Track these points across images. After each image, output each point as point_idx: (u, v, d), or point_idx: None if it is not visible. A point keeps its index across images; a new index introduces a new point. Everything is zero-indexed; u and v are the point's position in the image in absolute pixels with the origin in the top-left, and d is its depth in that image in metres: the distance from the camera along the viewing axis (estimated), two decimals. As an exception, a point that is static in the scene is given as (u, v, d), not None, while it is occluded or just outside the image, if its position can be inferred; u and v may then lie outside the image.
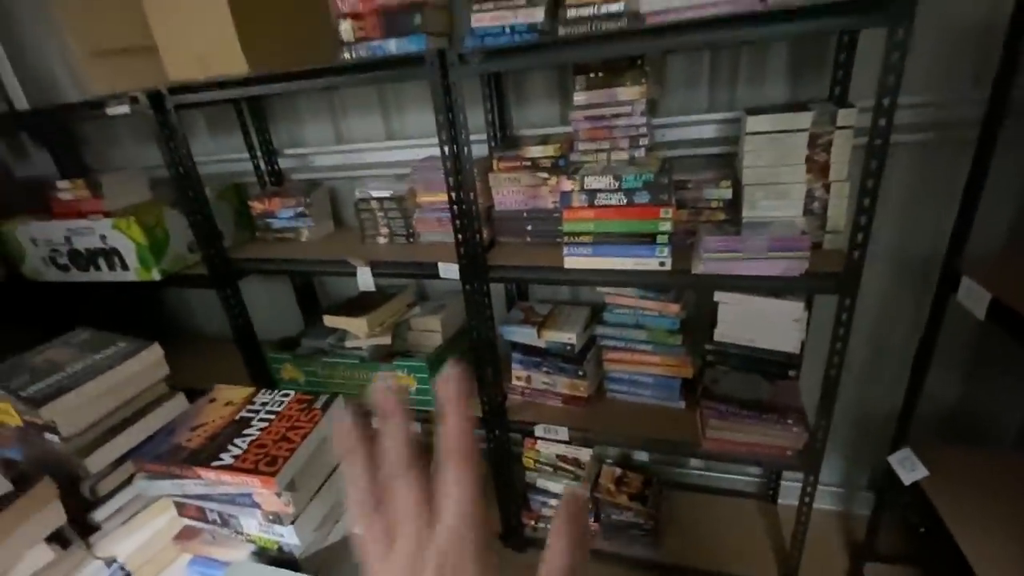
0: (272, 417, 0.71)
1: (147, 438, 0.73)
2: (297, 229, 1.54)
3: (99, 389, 0.69)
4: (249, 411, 0.73)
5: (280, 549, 0.72)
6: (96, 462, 0.70)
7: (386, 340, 1.47)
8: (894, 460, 1.19)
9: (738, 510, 1.63)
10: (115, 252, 1.47)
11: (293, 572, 0.67)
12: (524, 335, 1.41)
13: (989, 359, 1.30)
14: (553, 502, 1.55)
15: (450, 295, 1.66)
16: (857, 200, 0.90)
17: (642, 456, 1.77)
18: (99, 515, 0.72)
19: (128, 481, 0.74)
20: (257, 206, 1.54)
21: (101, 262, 1.50)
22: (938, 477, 1.13)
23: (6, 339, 1.11)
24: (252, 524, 0.71)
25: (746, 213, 1.13)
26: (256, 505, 0.67)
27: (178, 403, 0.80)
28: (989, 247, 1.18)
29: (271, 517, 0.67)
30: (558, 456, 1.46)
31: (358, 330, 1.44)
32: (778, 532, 1.54)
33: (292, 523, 0.67)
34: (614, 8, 1.01)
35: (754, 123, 1.05)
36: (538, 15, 1.07)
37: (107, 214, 1.45)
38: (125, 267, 1.48)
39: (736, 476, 1.70)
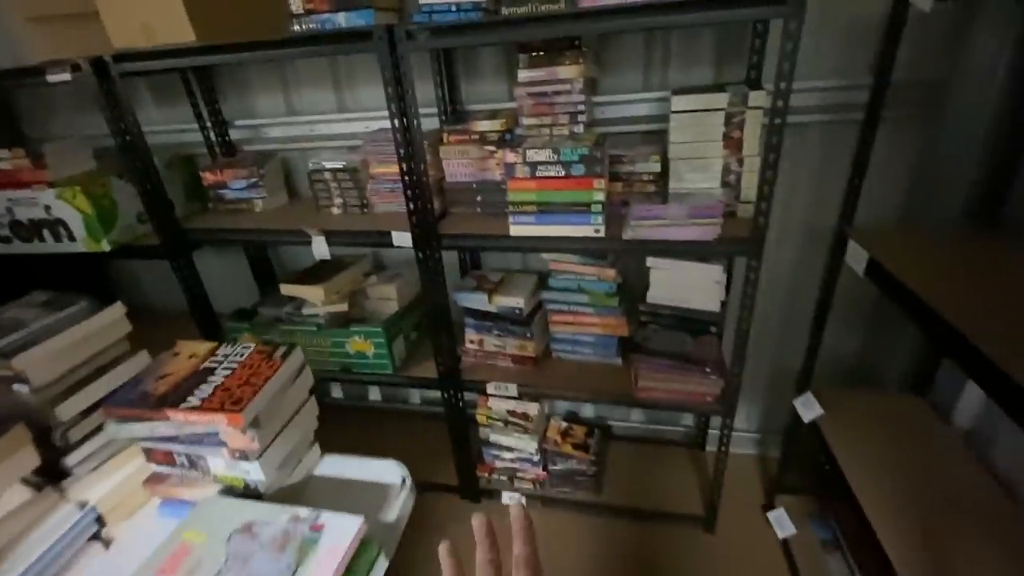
0: (235, 366, 0.78)
1: (114, 389, 0.78)
2: (250, 200, 1.56)
3: (65, 342, 0.74)
4: (212, 362, 0.79)
5: (246, 486, 0.79)
6: (66, 411, 0.75)
7: (343, 308, 1.53)
8: (798, 403, 1.37)
9: (671, 457, 1.81)
10: (60, 223, 1.45)
11: (258, 501, 0.76)
12: (476, 301, 1.50)
13: (877, 315, 1.49)
14: (506, 455, 1.67)
15: (405, 265, 1.73)
16: (760, 172, 1.03)
17: (588, 413, 1.92)
18: (71, 461, 0.77)
19: (98, 429, 0.79)
20: (209, 177, 1.55)
21: (46, 233, 1.48)
22: (832, 416, 1.31)
23: None
24: (219, 463, 0.78)
25: (673, 185, 1.25)
26: (222, 444, 0.74)
27: (141, 359, 0.86)
28: (886, 219, 1.36)
29: (237, 454, 0.75)
30: (508, 412, 1.58)
31: (315, 298, 1.49)
32: (705, 474, 1.73)
33: (258, 459, 0.75)
34: (553, -9, 1.09)
35: (678, 102, 1.17)
36: (483, -6, 1.14)
37: (51, 184, 1.43)
38: (72, 238, 1.47)
39: (670, 427, 1.88)
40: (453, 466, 1.72)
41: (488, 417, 1.61)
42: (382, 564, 0.73)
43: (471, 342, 1.57)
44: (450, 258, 1.64)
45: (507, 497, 1.71)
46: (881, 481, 1.17)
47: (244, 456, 0.75)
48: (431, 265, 1.36)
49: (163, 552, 0.69)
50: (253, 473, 0.77)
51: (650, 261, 1.33)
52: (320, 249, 1.38)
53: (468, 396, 1.61)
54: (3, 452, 0.68)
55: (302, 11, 1.23)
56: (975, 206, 1.11)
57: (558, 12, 1.07)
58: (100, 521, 0.80)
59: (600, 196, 1.14)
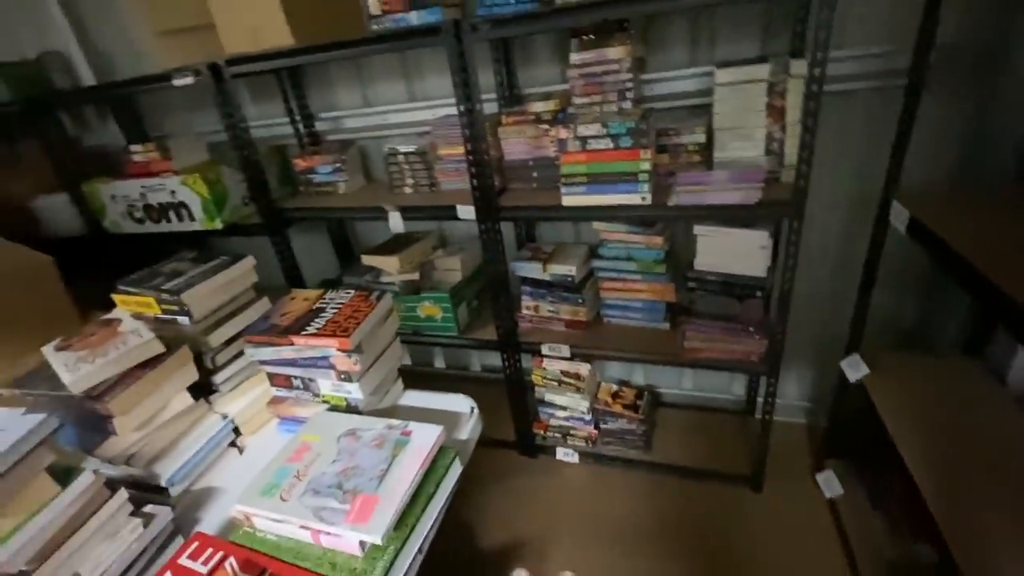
0: (340, 306, 0.96)
1: (249, 324, 0.99)
2: (335, 183, 1.78)
3: (215, 285, 0.95)
4: (322, 303, 0.98)
5: (347, 404, 0.98)
6: (215, 339, 0.96)
7: (414, 276, 1.71)
8: (844, 364, 1.41)
9: (720, 422, 1.88)
10: (183, 205, 1.73)
11: (358, 414, 0.94)
12: (532, 270, 1.64)
13: (930, 278, 1.49)
14: (559, 414, 1.81)
15: (467, 240, 1.90)
16: (800, 137, 1.09)
17: (638, 380, 2.02)
18: (217, 379, 0.99)
19: (237, 356, 1.00)
20: (300, 163, 1.78)
21: (171, 214, 1.77)
22: (879, 377, 1.34)
23: (93, 286, 1.39)
24: (327, 385, 0.97)
25: (717, 154, 1.33)
26: (331, 367, 0.93)
27: (264, 304, 1.06)
28: (938, 182, 1.36)
29: (342, 376, 0.93)
30: (562, 372, 1.71)
31: (391, 267, 1.69)
32: (753, 438, 1.78)
33: (359, 380, 0.93)
34: (601, -22, 1.19)
35: (721, 75, 1.24)
36: (537, -14, 1.26)
37: (175, 172, 1.70)
38: (192, 218, 1.75)
39: (719, 395, 1.94)
40: (511, 424, 1.88)
41: (543, 377, 1.75)
42: (457, 467, 0.89)
43: (527, 308, 1.71)
44: (507, 232, 1.79)
45: (561, 453, 1.85)
46: (928, 442, 1.19)
47: (348, 378, 0.93)
48: (492, 236, 1.52)
49: (289, 447, 0.88)
50: (354, 393, 0.95)
51: (697, 228, 1.41)
52: (396, 223, 1.57)
53: (524, 362, 1.75)
54: (174, 366, 0.90)
55: (380, 12, 1.40)
56: (1027, 165, 1.12)
57: (607, -2, 1.17)
58: (236, 431, 1.02)
59: (647, 166, 1.24)
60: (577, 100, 1.42)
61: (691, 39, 1.44)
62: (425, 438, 0.86)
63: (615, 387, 1.81)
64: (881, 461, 1.53)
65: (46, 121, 1.91)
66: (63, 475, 0.74)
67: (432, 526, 0.81)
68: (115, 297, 1.00)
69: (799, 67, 1.17)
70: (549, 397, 1.78)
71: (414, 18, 1.38)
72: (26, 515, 0.69)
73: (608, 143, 1.25)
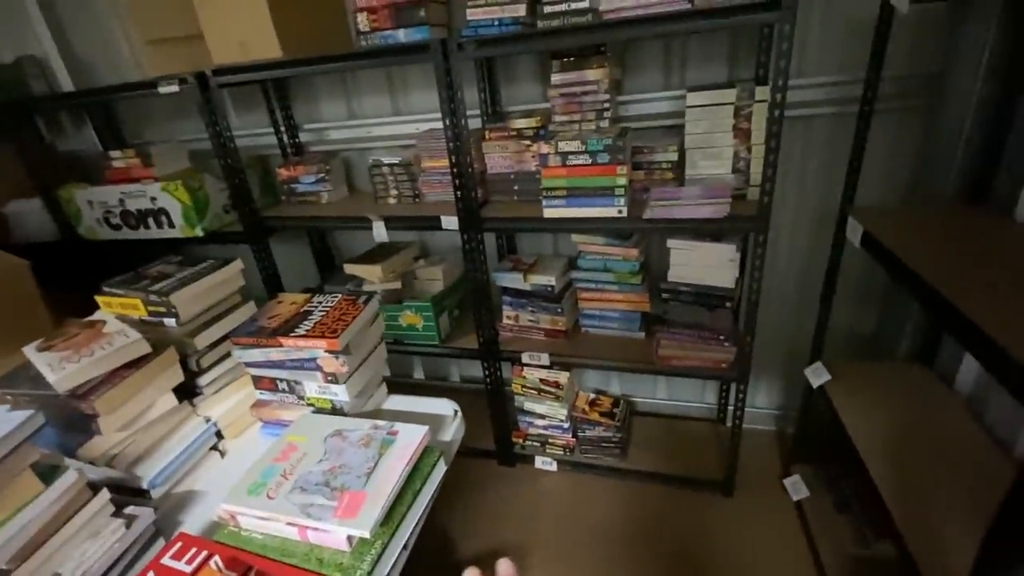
0: (328, 309, 0.98)
1: (235, 327, 1.00)
2: (318, 193, 1.80)
3: (203, 288, 0.96)
4: (309, 307, 1.00)
5: (333, 407, 1.00)
6: (201, 341, 0.97)
7: (397, 285, 1.74)
8: (808, 371, 1.49)
9: (693, 430, 1.94)
10: (163, 212, 1.72)
11: (344, 416, 0.96)
12: (513, 280, 1.69)
13: (888, 292, 1.59)
14: (538, 422, 1.84)
15: (448, 251, 1.93)
16: (764, 157, 1.18)
17: (615, 390, 2.07)
18: (202, 382, 0.99)
19: (222, 359, 1.01)
20: (283, 173, 1.79)
21: (151, 221, 1.76)
22: (840, 383, 1.43)
23: (65, 292, 1.37)
24: (312, 387, 0.98)
25: (689, 172, 1.41)
26: (318, 368, 0.94)
27: (250, 307, 1.08)
28: (893, 201, 1.47)
29: (329, 378, 0.95)
30: (541, 380, 1.75)
31: (373, 276, 1.71)
32: (724, 445, 1.84)
33: (345, 382, 0.95)
34: (580, 5, 1.27)
35: (692, 98, 1.33)
36: (521, 10, 1.33)
37: (156, 179, 1.70)
38: (172, 225, 1.74)
39: (692, 403, 2.01)
40: (490, 434, 1.90)
41: (523, 386, 1.78)
42: (441, 467, 0.92)
43: (508, 318, 1.75)
44: (489, 243, 1.83)
45: (540, 461, 1.87)
46: (886, 444, 1.27)
47: (334, 379, 0.95)
48: (474, 246, 1.56)
49: (275, 448, 0.89)
50: (340, 395, 0.97)
51: (671, 242, 1.48)
52: (380, 232, 1.59)
53: (504, 372, 1.79)
54: (160, 367, 0.91)
55: (368, 29, 1.45)
56: (968, 185, 1.23)
57: (585, 24, 1.25)
58: (219, 435, 1.02)
59: (623, 181, 1.31)
60: (557, 118, 1.49)
61: (664, 64, 1.53)
62: (411, 438, 0.89)
63: (592, 395, 1.86)
64: (843, 464, 1.61)
65: (22, 125, 1.88)
66: (47, 473, 0.74)
67: (417, 523, 0.83)
68: (99, 299, 1.00)
69: (763, 93, 1.26)
70: (528, 406, 1.82)
71: (401, 35, 1.44)
72: (9, 512, 0.69)
73: (587, 159, 1.32)
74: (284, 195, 1.84)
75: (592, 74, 1.40)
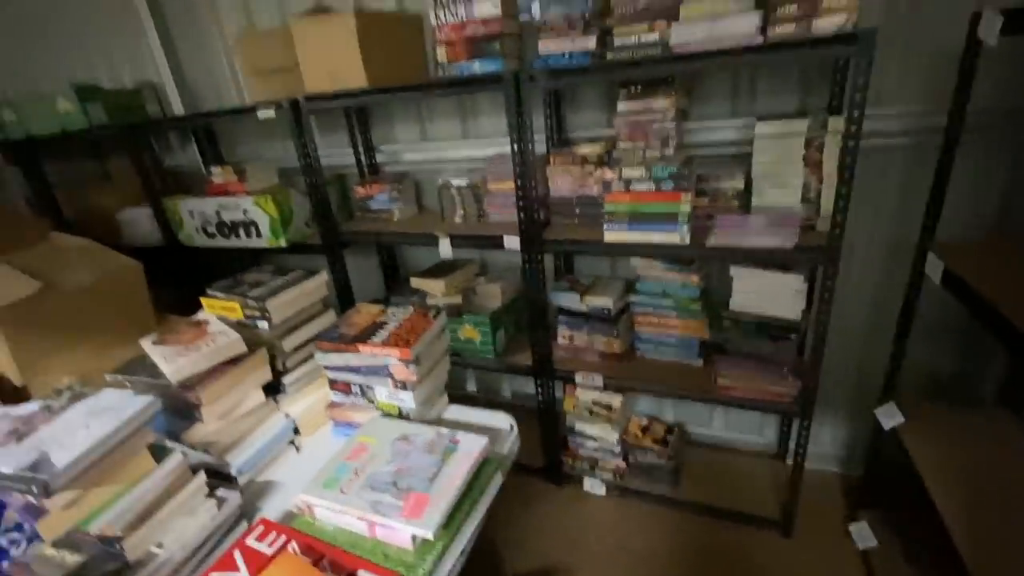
0: (401, 320, 1.05)
1: (317, 332, 1.09)
2: (390, 210, 1.91)
3: (294, 295, 1.07)
4: (384, 318, 1.08)
5: (400, 412, 1.06)
6: (288, 344, 1.07)
7: (457, 300, 1.81)
8: (879, 412, 1.41)
9: (750, 464, 1.87)
10: (253, 223, 1.89)
11: (409, 421, 1.02)
12: (569, 300, 1.72)
13: (970, 332, 1.49)
14: (589, 444, 1.84)
15: (506, 270, 1.99)
16: (836, 189, 1.16)
17: (668, 418, 2.04)
18: (286, 381, 1.09)
19: (305, 360, 1.11)
20: (360, 191, 1.93)
21: (241, 231, 1.93)
22: (914, 426, 1.35)
23: (163, 291, 1.54)
24: (383, 392, 1.05)
25: (755, 200, 1.39)
26: (390, 375, 1.01)
27: (329, 316, 1.17)
28: (977, 236, 1.39)
29: (399, 384, 1.02)
30: (593, 402, 1.76)
31: (436, 290, 1.79)
32: (783, 483, 1.77)
33: (413, 389, 1.01)
34: (650, 39, 1.31)
35: (761, 128, 1.32)
36: (591, 43, 1.38)
37: (249, 193, 1.87)
38: (259, 235, 1.91)
39: (750, 436, 1.94)
40: (539, 451, 1.92)
41: (575, 406, 1.80)
42: (499, 478, 0.96)
43: (563, 337, 1.77)
44: (547, 264, 1.88)
45: (588, 484, 1.87)
46: (964, 494, 1.18)
47: (403, 386, 1.01)
48: (534, 266, 1.61)
49: (347, 447, 0.96)
50: (407, 401, 1.03)
51: (733, 269, 1.47)
52: (445, 249, 1.68)
53: (556, 391, 1.81)
54: (253, 365, 1.01)
55: (446, 60, 1.55)
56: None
57: (655, 56, 1.28)
58: (296, 431, 1.11)
59: (686, 208, 1.32)
60: (622, 145, 1.52)
61: (732, 92, 1.54)
62: (471, 446, 0.93)
63: (645, 421, 1.84)
64: (916, 513, 1.51)
65: (140, 143, 2.12)
66: (158, 453, 0.84)
67: (475, 531, 0.87)
68: (203, 300, 1.13)
69: (836, 123, 1.24)
70: (580, 426, 1.83)
71: (477, 67, 1.52)
72: (128, 484, 0.79)
73: (651, 185, 1.34)
74: (359, 211, 1.97)
75: (658, 103, 1.43)
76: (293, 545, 0.82)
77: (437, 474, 0.88)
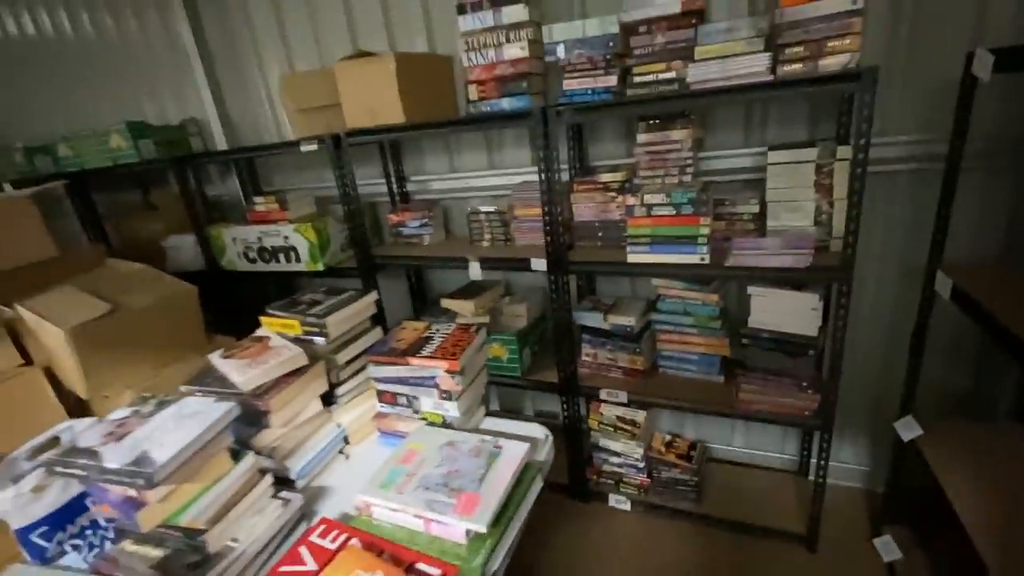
0: (446, 335, 1.14)
1: (367, 347, 1.18)
2: (421, 236, 2.03)
3: (348, 313, 1.16)
4: (429, 333, 1.17)
5: (444, 421, 1.14)
6: (342, 357, 1.16)
7: (485, 320, 1.90)
8: (899, 425, 1.46)
9: (772, 480, 1.91)
10: (293, 249, 2.01)
11: (453, 429, 1.10)
12: (593, 319, 1.80)
13: (983, 349, 1.55)
14: (613, 460, 1.89)
15: (529, 291, 2.09)
16: (847, 212, 1.24)
17: (690, 435, 2.08)
18: (339, 392, 1.18)
19: (355, 373, 1.20)
20: (393, 218, 2.05)
21: (281, 256, 2.05)
22: (933, 439, 1.39)
23: (209, 310, 1.65)
24: (428, 403, 1.13)
25: (770, 223, 1.48)
26: (436, 386, 1.10)
27: (377, 332, 1.27)
28: (986, 256, 1.46)
29: (444, 395, 1.10)
30: (618, 418, 1.82)
31: (466, 310, 1.89)
32: (806, 497, 1.80)
33: (457, 399, 1.09)
34: (668, 76, 1.43)
35: (774, 156, 1.42)
36: (612, 80, 1.50)
37: (290, 221, 2.00)
38: (298, 260, 2.03)
39: (771, 453, 1.98)
40: (564, 469, 1.97)
41: (599, 422, 1.86)
42: (539, 482, 1.03)
43: (587, 355, 1.85)
44: (569, 285, 1.97)
45: (614, 500, 1.91)
46: (987, 505, 1.22)
47: (448, 396, 1.10)
48: (560, 286, 1.70)
49: (398, 452, 1.04)
50: (451, 411, 1.11)
51: (751, 289, 1.54)
52: (475, 271, 1.78)
53: (579, 411, 1.87)
54: (313, 377, 1.10)
55: (477, 98, 1.68)
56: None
57: (673, 92, 1.40)
58: (346, 440, 1.19)
59: (705, 231, 1.41)
60: (642, 173, 1.63)
61: (745, 123, 1.65)
62: (515, 451, 1.01)
63: (668, 436, 1.89)
64: (940, 525, 1.53)
65: (187, 175, 2.28)
66: (233, 455, 0.93)
67: (520, 529, 0.94)
68: (262, 319, 1.23)
69: (844, 152, 1.34)
70: (604, 442, 1.88)
71: (505, 104, 1.65)
72: (210, 482, 0.87)
73: (671, 210, 1.44)
74: (391, 237, 2.09)
75: (676, 134, 1.54)
76: (355, 541, 0.90)
77: (485, 476, 0.95)
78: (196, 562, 0.85)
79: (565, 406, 1.85)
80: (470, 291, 1.97)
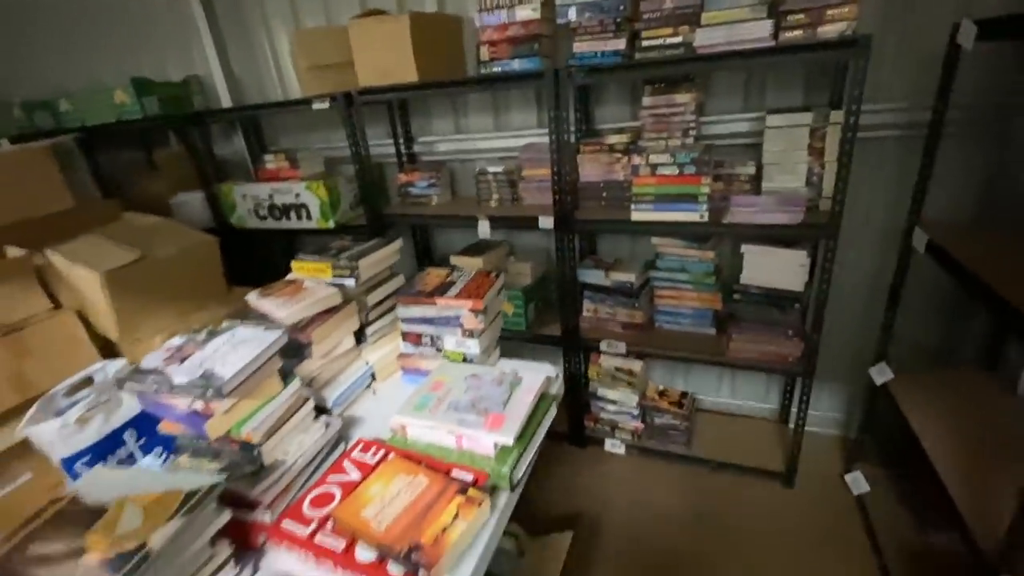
0: (468, 280, 1.24)
1: (394, 290, 1.27)
2: (429, 196, 2.09)
3: (377, 258, 1.25)
4: (451, 278, 1.26)
5: (464, 358, 1.24)
6: (371, 299, 1.25)
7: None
8: (873, 371, 1.61)
9: (755, 427, 2.07)
10: (304, 206, 2.07)
11: (474, 364, 1.20)
12: (595, 276, 1.90)
13: (954, 304, 1.69)
14: (610, 407, 2.03)
15: (533, 252, 2.18)
16: (836, 174, 1.35)
17: (679, 386, 2.23)
18: (368, 331, 1.27)
19: (383, 315, 1.29)
20: (402, 178, 2.10)
21: (292, 214, 2.11)
22: (904, 384, 1.54)
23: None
24: (451, 342, 1.23)
25: (765, 184, 1.59)
26: (459, 325, 1.20)
27: (399, 279, 1.35)
28: (962, 218, 1.59)
29: (466, 333, 1.20)
30: (616, 368, 1.94)
31: (474, 267, 1.97)
32: (786, 441, 1.97)
33: (479, 337, 1.19)
34: (675, 40, 1.50)
35: (771, 120, 1.52)
36: (621, 44, 1.57)
37: (302, 179, 2.05)
38: (309, 217, 2.09)
39: (756, 403, 2.13)
40: (565, 418, 2.10)
41: (598, 373, 1.98)
42: (553, 410, 1.14)
43: (588, 310, 1.96)
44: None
45: (609, 444, 2.06)
46: (948, 438, 1.36)
47: (471, 334, 1.20)
48: (566, 244, 1.79)
49: (428, 382, 1.14)
50: (472, 349, 1.22)
51: (744, 247, 1.66)
52: (484, 230, 1.86)
53: (580, 363, 1.99)
54: (346, 315, 1.19)
55: (488, 58, 1.73)
56: (1033, 204, 1.34)
57: (680, 56, 1.47)
58: (372, 376, 1.29)
59: (705, 189, 1.51)
60: (647, 135, 1.71)
61: (745, 89, 1.73)
62: (533, 380, 1.12)
63: (661, 387, 2.03)
64: (906, 461, 1.70)
65: (194, 133, 2.29)
66: (283, 378, 1.02)
67: (539, 447, 1.05)
68: (294, 264, 1.30)
69: (837, 116, 1.43)
70: (602, 391, 2.01)
71: (516, 65, 1.71)
72: (264, 401, 0.97)
73: (674, 169, 1.53)
74: (399, 196, 2.15)
75: (680, 98, 1.62)
76: (393, 455, 1.01)
77: (508, 400, 1.06)
78: (252, 472, 0.95)
79: (566, 358, 1.97)
80: (478, 249, 2.06)
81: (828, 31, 1.29)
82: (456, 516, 0.83)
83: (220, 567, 0.80)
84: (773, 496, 1.80)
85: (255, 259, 2.22)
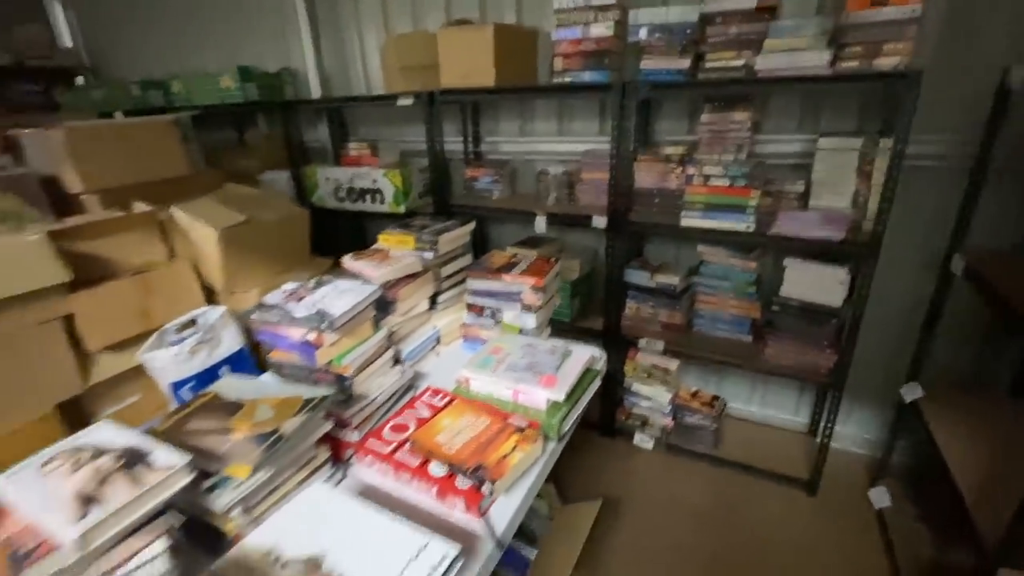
0: (530, 262, 1.40)
1: (463, 267, 1.45)
2: (491, 191, 2.28)
3: (453, 235, 1.43)
4: (515, 259, 1.43)
5: (519, 331, 1.40)
6: (445, 271, 1.43)
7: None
8: (904, 390, 1.67)
9: (783, 437, 2.14)
10: (379, 191, 2.29)
11: (528, 336, 1.36)
12: (641, 277, 2.03)
13: (991, 332, 1.73)
14: (643, 403, 2.15)
15: (583, 250, 2.33)
16: (881, 195, 1.44)
17: (711, 392, 2.32)
18: (440, 299, 1.45)
19: (452, 287, 1.47)
20: (470, 173, 2.30)
21: (368, 197, 2.33)
22: (933, 404, 1.60)
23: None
24: (510, 315, 1.40)
25: (812, 202, 1.69)
26: (519, 300, 1.36)
27: (468, 258, 1.53)
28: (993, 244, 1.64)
29: (525, 308, 1.36)
30: (652, 365, 2.06)
31: (530, 258, 2.14)
32: (813, 453, 2.03)
33: (536, 312, 1.35)
34: (737, 63, 1.63)
35: (823, 142, 1.62)
36: (686, 64, 1.70)
37: (380, 167, 2.27)
38: (383, 202, 2.30)
39: (786, 416, 2.20)
40: (598, 409, 2.23)
41: (635, 368, 2.11)
42: (598, 381, 1.28)
43: (630, 309, 2.09)
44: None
45: (638, 438, 2.17)
46: (973, 460, 1.41)
47: (529, 309, 1.36)
48: (616, 243, 1.93)
49: (488, 347, 1.31)
50: (528, 322, 1.38)
51: (787, 260, 1.76)
52: (540, 225, 2.02)
53: (617, 358, 2.12)
54: (425, 281, 1.37)
55: (562, 68, 1.90)
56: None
57: (741, 77, 1.60)
58: (438, 340, 1.47)
59: (754, 201, 1.63)
60: (703, 149, 1.83)
61: (800, 112, 1.83)
62: (582, 353, 1.27)
63: (693, 388, 2.13)
64: (930, 480, 1.75)
65: (289, 118, 2.56)
66: (374, 325, 1.21)
67: (583, 410, 1.20)
68: (380, 236, 1.50)
69: (886, 144, 1.53)
70: (636, 387, 2.13)
71: (587, 76, 1.87)
72: (359, 340, 1.15)
73: (726, 181, 1.65)
74: (464, 190, 2.35)
75: (737, 116, 1.74)
76: (457, 402, 1.17)
77: (560, 366, 1.21)
78: (343, 400, 1.13)
79: (605, 351, 2.10)
80: (532, 242, 2.22)
81: (883, 63, 1.40)
82: (515, 448, 0.99)
83: (320, 465, 0.99)
84: (795, 502, 1.88)
85: (325, 235, 2.46)
